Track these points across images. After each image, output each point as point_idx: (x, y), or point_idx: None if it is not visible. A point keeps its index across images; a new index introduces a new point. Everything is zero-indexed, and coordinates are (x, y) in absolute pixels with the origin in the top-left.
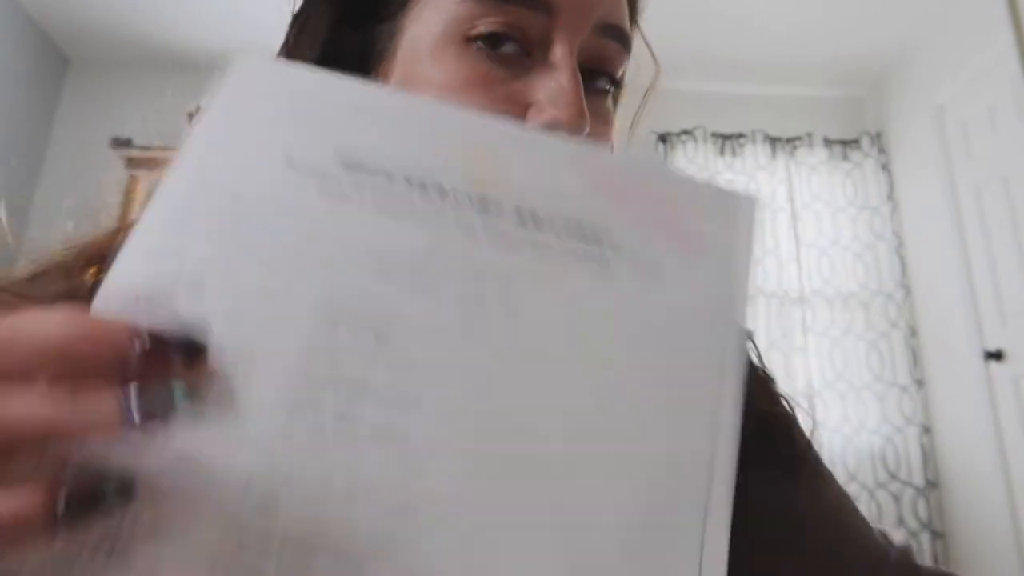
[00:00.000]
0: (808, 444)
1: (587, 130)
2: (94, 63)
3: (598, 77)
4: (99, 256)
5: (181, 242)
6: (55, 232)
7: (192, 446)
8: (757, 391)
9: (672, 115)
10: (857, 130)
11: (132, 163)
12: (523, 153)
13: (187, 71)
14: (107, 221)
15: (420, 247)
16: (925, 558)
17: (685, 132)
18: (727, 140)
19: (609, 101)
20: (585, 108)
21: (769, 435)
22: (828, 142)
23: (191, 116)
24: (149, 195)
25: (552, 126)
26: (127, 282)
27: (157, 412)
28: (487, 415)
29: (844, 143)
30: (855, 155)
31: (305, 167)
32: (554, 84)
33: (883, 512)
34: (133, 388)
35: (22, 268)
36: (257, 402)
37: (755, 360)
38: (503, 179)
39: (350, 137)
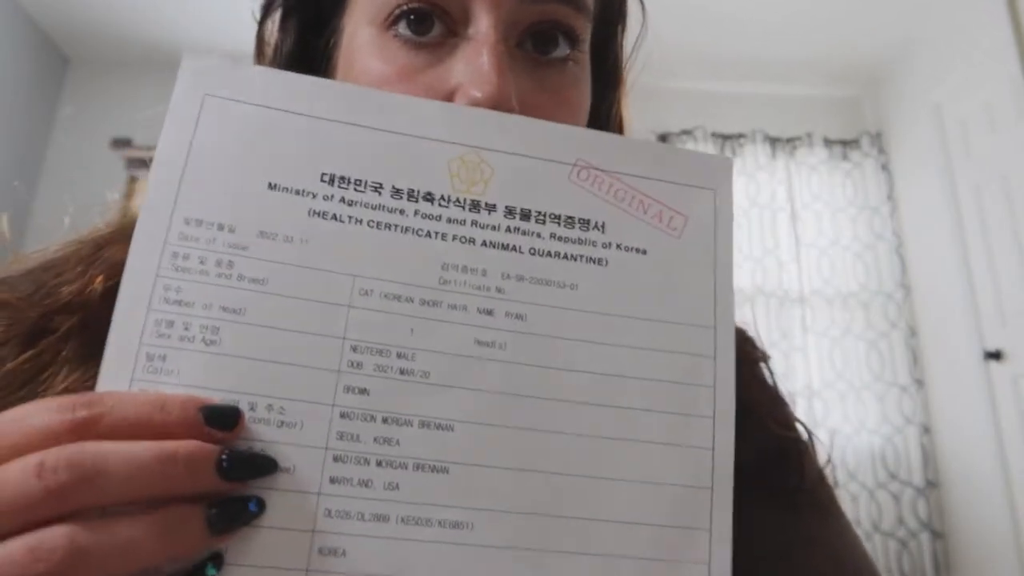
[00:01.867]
0: (819, 476)
1: (513, 106)
2: (94, 63)
3: (549, 44)
4: (105, 262)
5: (181, 286)
6: (55, 232)
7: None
8: (771, 413)
9: (672, 115)
10: (857, 130)
11: (132, 163)
12: (507, 147)
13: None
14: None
15: (428, 270)
16: (925, 558)
17: (685, 132)
18: (727, 140)
19: (571, 73)
20: (507, 84)
21: (778, 461)
22: (828, 142)
23: None
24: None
25: (468, 102)
26: (129, 344)
27: (236, 525)
28: (513, 434)
29: (844, 143)
30: (855, 155)
31: (288, 189)
32: (472, 63)
33: (883, 512)
34: (216, 506)
35: (20, 264)
36: (301, 452)
37: (770, 381)
38: (490, 181)
39: (326, 152)
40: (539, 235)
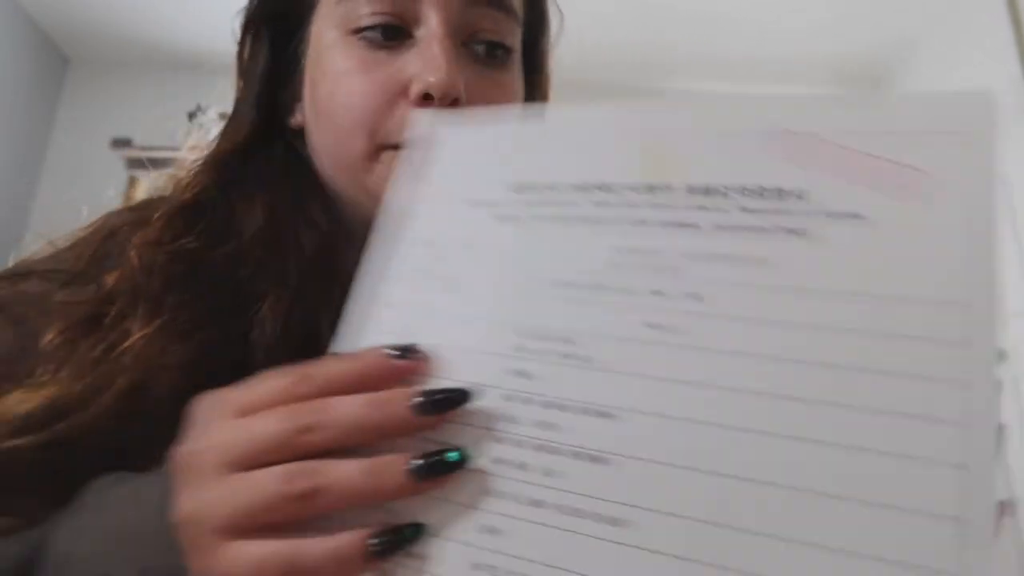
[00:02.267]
0: None
1: (460, 93)
2: (94, 63)
3: (491, 48)
4: (135, 246)
5: (388, 291)
6: (55, 231)
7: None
8: None
9: None
10: None
11: (132, 163)
12: (699, 130)
13: (187, 71)
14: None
15: (596, 255)
16: None
17: None
18: None
19: (509, 70)
20: (455, 73)
21: None
22: None
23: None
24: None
25: (426, 92)
26: (357, 336)
27: (440, 474)
28: (685, 427)
29: None
30: None
31: (482, 202)
32: (425, 55)
33: None
34: (421, 455)
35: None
36: (471, 425)
37: None
38: (673, 163)
39: (517, 167)
40: (723, 210)
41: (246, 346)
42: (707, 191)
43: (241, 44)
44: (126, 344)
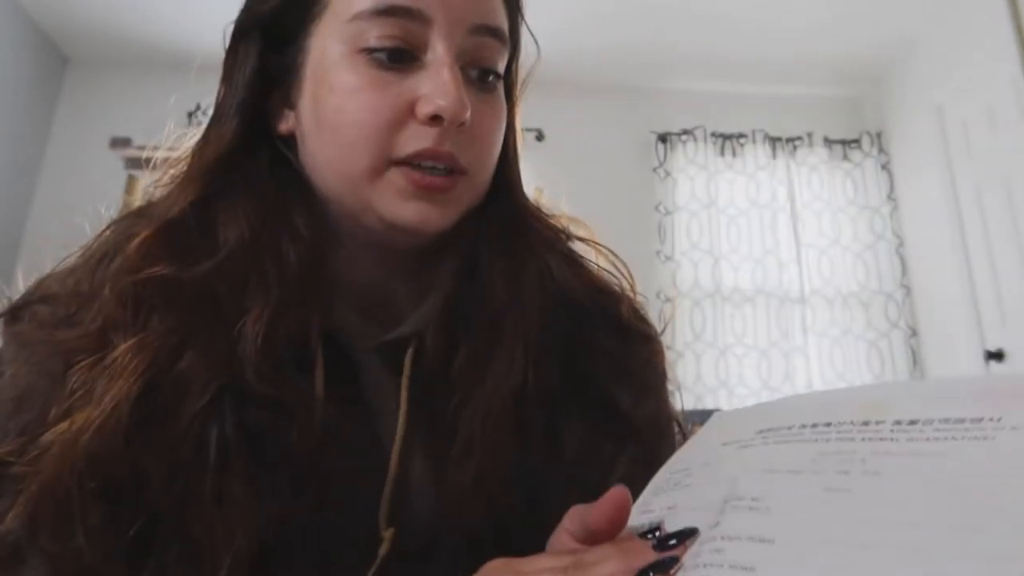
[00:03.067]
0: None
1: (467, 116)
2: (94, 63)
3: (483, 74)
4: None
5: (649, 500)
6: (54, 230)
7: None
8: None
9: (672, 115)
10: (857, 130)
11: (131, 163)
12: (913, 391)
13: (187, 71)
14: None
15: (805, 456)
16: None
17: (685, 132)
18: (727, 140)
19: (498, 94)
20: (464, 98)
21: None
22: (828, 142)
23: (191, 116)
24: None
25: (436, 114)
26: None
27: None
28: (832, 544)
29: (844, 143)
30: (855, 155)
31: (732, 441)
32: (436, 79)
33: None
34: (649, 568)
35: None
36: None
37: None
38: (887, 408)
39: (772, 417)
40: (921, 431)
41: (233, 360)
42: (912, 422)
43: (231, 50)
44: (111, 366)
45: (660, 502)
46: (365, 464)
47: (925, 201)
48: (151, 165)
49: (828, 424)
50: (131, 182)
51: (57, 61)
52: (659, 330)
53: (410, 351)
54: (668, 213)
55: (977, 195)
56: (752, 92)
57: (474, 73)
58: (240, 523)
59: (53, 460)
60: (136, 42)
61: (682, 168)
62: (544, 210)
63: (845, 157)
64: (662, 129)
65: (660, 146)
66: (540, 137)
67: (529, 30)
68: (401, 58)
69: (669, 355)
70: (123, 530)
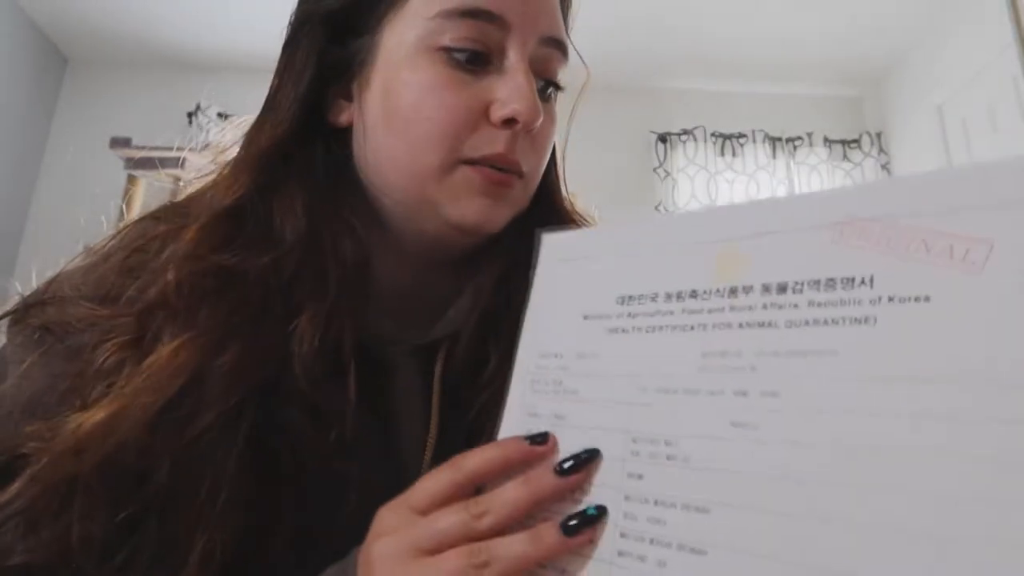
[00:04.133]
0: None
1: (541, 121)
2: (94, 63)
3: (546, 84)
4: (169, 259)
5: (534, 401)
6: (54, 231)
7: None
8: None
9: (672, 115)
10: (857, 130)
11: (131, 163)
12: (765, 229)
13: (187, 71)
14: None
15: (689, 361)
16: None
17: (685, 132)
18: (727, 140)
19: (553, 103)
20: (538, 103)
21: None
22: (828, 142)
23: (190, 116)
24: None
25: (512, 117)
26: (510, 430)
27: (586, 526)
28: (774, 520)
29: (844, 143)
30: (855, 155)
31: (594, 316)
32: (512, 84)
33: None
34: (569, 516)
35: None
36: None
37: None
38: (748, 264)
39: (620, 279)
40: (795, 306)
41: (284, 357)
42: (781, 289)
43: (291, 40)
44: (152, 360)
45: (545, 405)
46: (387, 466)
47: None
48: (154, 165)
49: (693, 294)
50: (131, 182)
51: (57, 61)
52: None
53: (441, 354)
54: (668, 213)
55: None
56: (752, 92)
57: (539, 83)
58: (225, 530)
59: (67, 443)
60: (136, 42)
61: (682, 168)
62: (580, 214)
63: (845, 157)
64: (662, 129)
65: (660, 146)
66: None
67: (576, 51)
68: (477, 60)
69: None
70: (111, 517)
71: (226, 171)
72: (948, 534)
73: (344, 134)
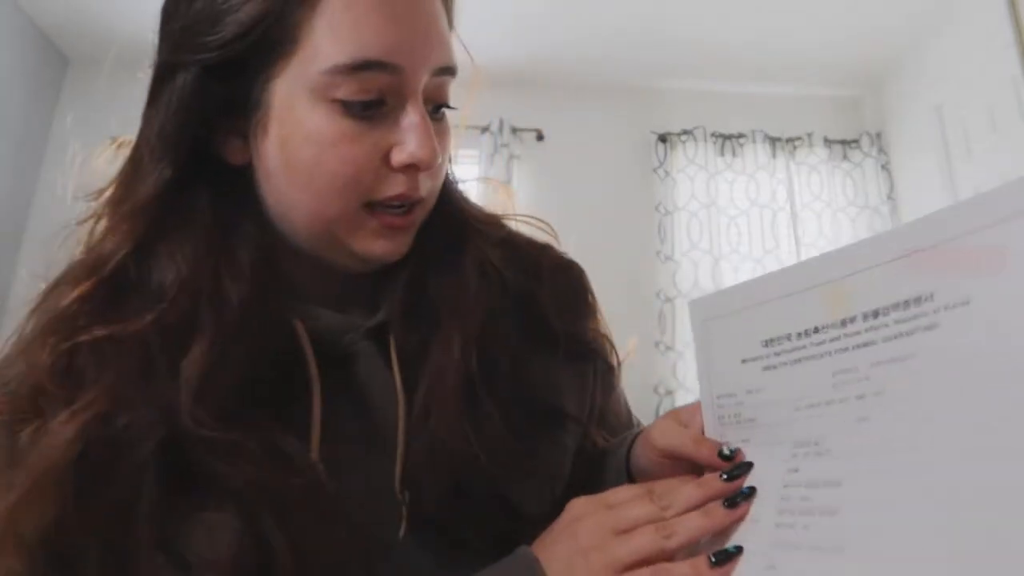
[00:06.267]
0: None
1: (440, 160)
2: (94, 63)
3: (438, 107)
4: None
5: (722, 431)
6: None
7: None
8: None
9: (672, 115)
10: (857, 130)
11: None
12: (855, 269)
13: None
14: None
15: (824, 382)
16: None
17: (685, 132)
18: (727, 140)
19: (447, 122)
20: (436, 146)
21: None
22: (828, 142)
23: None
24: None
25: (411, 163)
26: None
27: (729, 560)
28: (883, 474)
29: (844, 143)
30: (855, 155)
31: (750, 359)
32: (409, 129)
33: None
34: (716, 552)
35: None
36: (761, 520)
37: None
38: (850, 298)
39: (760, 327)
40: (887, 325)
41: (170, 408)
42: (875, 314)
43: (163, 76)
44: (46, 440)
45: (733, 434)
46: (369, 439)
47: (925, 201)
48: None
49: (816, 330)
50: None
51: (57, 61)
52: (660, 331)
53: (392, 335)
54: (668, 213)
55: None
56: (752, 92)
57: (430, 107)
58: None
59: None
60: (137, 43)
61: (682, 168)
62: (476, 206)
63: (845, 157)
64: (662, 129)
65: (660, 146)
66: (540, 137)
67: (463, 44)
68: (372, 106)
69: (669, 355)
70: None
71: (107, 222)
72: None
73: (236, 172)
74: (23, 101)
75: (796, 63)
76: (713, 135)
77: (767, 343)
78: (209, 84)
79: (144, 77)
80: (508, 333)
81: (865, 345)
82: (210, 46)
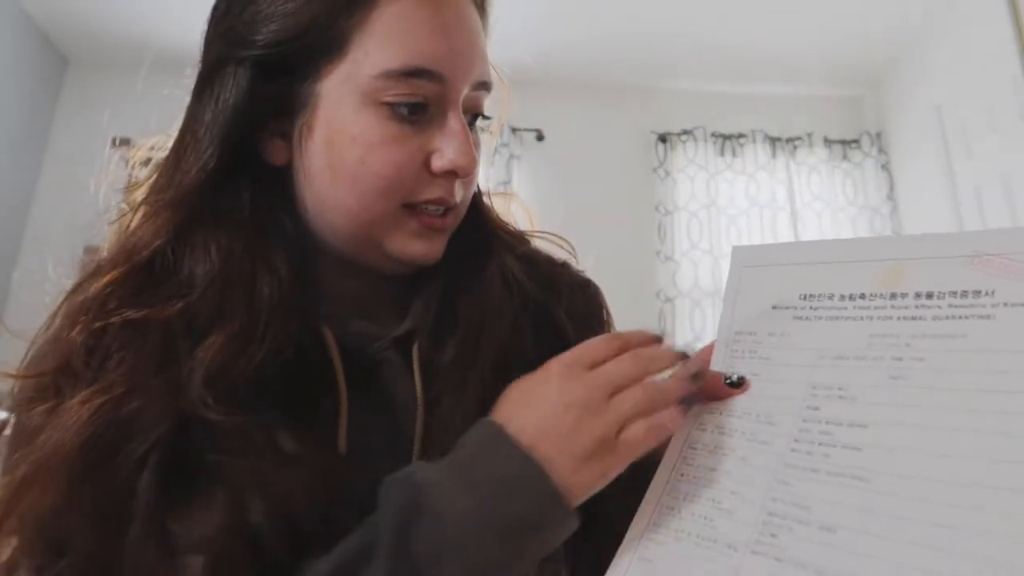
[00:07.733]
0: None
1: (478, 169)
2: (94, 63)
3: (474, 118)
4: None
5: (731, 364)
6: (54, 232)
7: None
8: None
9: (672, 115)
10: (857, 130)
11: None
12: (918, 256)
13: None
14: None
15: (859, 340)
16: None
17: (685, 132)
18: (727, 140)
19: (478, 132)
20: (475, 154)
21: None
22: (828, 142)
23: None
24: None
25: (451, 169)
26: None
27: (734, 389)
28: (909, 429)
29: (844, 143)
30: (855, 155)
31: (783, 306)
32: (450, 137)
33: None
34: (684, 401)
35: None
36: (773, 444)
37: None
38: (905, 277)
39: (803, 281)
40: (939, 307)
41: (184, 395)
42: (928, 295)
43: (214, 70)
44: (59, 419)
45: (742, 367)
46: (392, 441)
47: (925, 201)
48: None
49: (863, 296)
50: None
51: (57, 61)
52: (660, 331)
53: (417, 343)
54: (668, 213)
55: (977, 195)
56: (752, 92)
57: (467, 118)
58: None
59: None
60: (137, 43)
61: (682, 168)
62: (500, 214)
63: (845, 157)
64: (662, 129)
65: (660, 146)
66: (540, 137)
67: (494, 69)
68: (417, 111)
69: None
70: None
71: (146, 210)
72: None
73: (276, 172)
74: (22, 101)
75: (796, 63)
76: (713, 135)
77: (805, 296)
78: (258, 82)
79: (143, 78)
80: (527, 347)
81: (912, 319)
82: (264, 44)
